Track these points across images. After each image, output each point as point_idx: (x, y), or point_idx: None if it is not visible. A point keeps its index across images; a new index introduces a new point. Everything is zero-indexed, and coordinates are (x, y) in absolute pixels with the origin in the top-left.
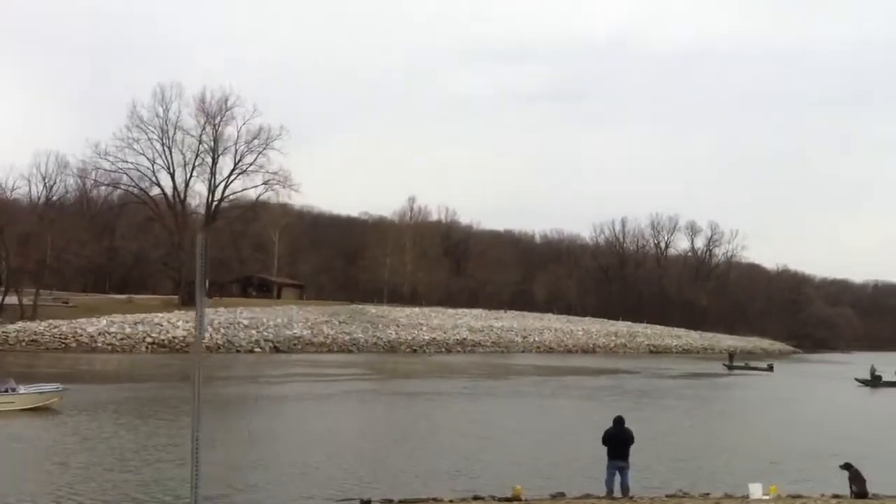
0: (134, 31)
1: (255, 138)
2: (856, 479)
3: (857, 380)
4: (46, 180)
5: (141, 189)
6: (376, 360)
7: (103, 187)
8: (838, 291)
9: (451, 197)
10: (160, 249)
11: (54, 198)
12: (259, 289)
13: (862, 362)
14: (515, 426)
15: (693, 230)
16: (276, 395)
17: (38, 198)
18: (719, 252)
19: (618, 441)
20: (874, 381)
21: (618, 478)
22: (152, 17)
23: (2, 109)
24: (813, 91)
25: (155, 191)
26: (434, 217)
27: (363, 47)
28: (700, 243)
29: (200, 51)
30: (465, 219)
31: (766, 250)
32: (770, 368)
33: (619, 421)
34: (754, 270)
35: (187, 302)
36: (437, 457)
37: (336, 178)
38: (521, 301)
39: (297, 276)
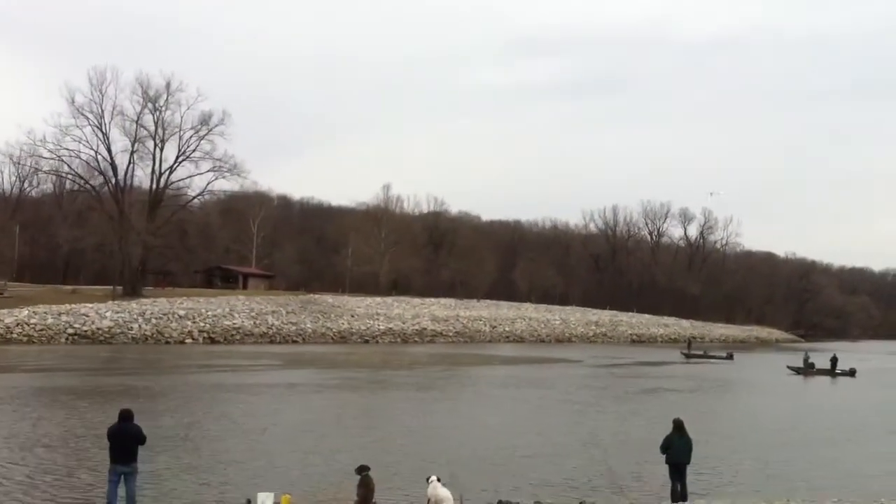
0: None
1: (202, 123)
2: (363, 484)
3: (788, 367)
4: (20, 171)
5: (79, 177)
6: (308, 351)
7: (41, 175)
8: (856, 280)
9: (444, 186)
10: (100, 239)
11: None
12: (224, 279)
13: (858, 351)
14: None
15: (686, 217)
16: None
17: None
18: (713, 239)
19: (119, 441)
20: (806, 369)
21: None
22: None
23: None
24: (843, 79)
25: (98, 180)
26: (424, 207)
27: (374, 38)
28: (694, 231)
29: (215, 45)
30: (455, 208)
31: (781, 240)
32: (730, 357)
33: (124, 416)
34: (757, 258)
35: (129, 292)
36: None
37: (353, 171)
38: (504, 291)
39: (274, 266)
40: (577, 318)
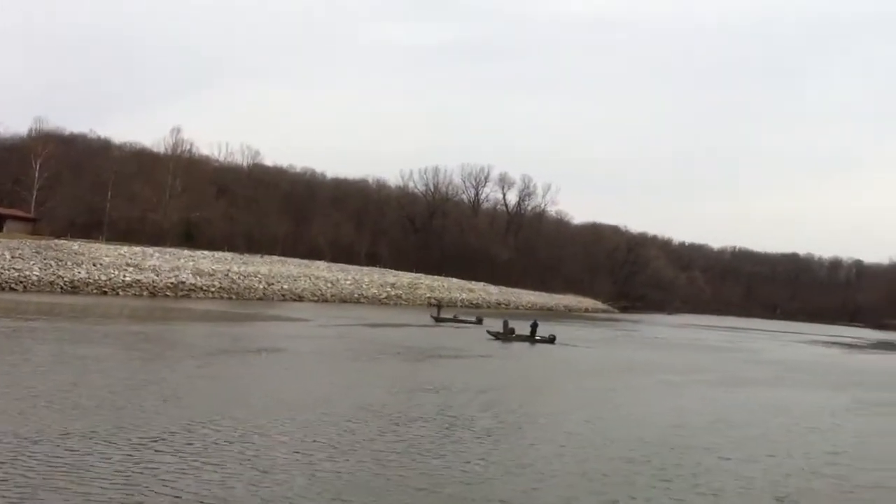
0: None
1: None
2: None
3: (488, 332)
4: None
5: None
6: (9, 300)
7: None
8: (693, 255)
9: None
10: None
11: None
12: None
13: (654, 323)
14: None
15: (505, 182)
16: None
17: None
18: (531, 206)
19: None
20: (505, 335)
21: None
22: None
23: None
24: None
25: None
26: (238, 157)
27: None
28: (513, 197)
29: None
30: (269, 161)
31: (625, 215)
32: (479, 322)
33: None
34: (578, 229)
35: None
36: None
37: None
38: (306, 248)
39: (55, 210)
40: (372, 279)
